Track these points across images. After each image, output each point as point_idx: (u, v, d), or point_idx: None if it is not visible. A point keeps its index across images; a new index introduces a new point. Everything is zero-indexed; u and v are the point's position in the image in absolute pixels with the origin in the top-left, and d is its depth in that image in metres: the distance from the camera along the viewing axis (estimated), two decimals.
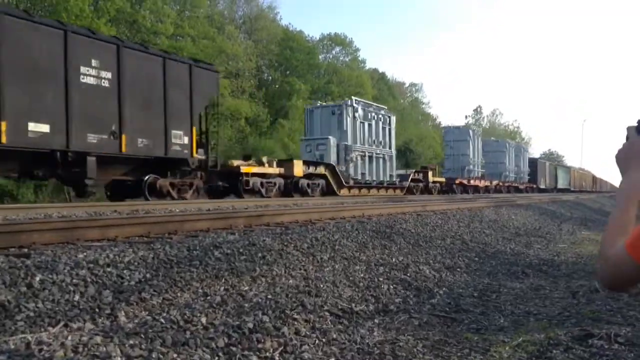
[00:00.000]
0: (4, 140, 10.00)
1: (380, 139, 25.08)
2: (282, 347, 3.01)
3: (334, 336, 3.38)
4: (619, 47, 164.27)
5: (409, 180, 26.75)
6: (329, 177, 20.69)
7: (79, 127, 11.37)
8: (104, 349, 2.54)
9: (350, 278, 4.94)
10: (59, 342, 2.54)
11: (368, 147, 23.92)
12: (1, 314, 2.93)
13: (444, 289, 5.31)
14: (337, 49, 51.67)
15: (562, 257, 8.28)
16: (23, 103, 10.40)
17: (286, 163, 18.73)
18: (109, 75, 12.07)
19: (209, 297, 3.74)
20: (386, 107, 27.64)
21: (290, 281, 4.50)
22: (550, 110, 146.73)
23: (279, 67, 43.67)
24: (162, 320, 3.08)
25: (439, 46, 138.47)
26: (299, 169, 18.65)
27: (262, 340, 3.02)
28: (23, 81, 10.42)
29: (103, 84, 11.96)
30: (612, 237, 1.11)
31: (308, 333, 3.34)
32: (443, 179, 31.12)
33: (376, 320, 3.93)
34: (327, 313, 3.77)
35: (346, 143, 22.39)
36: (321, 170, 20.41)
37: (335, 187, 20.92)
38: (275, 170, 17.89)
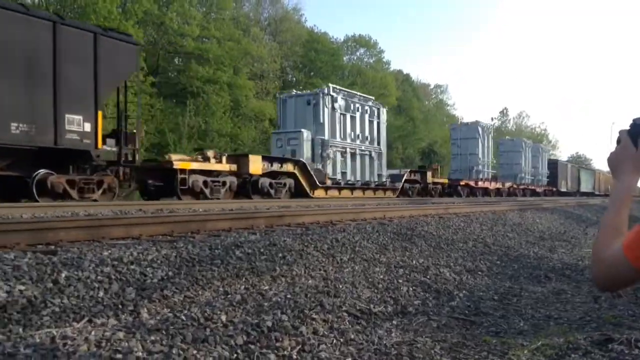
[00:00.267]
0: None
1: (367, 133, 22.03)
2: (300, 346, 3.04)
3: (352, 336, 3.40)
4: (623, 46, 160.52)
5: (403, 181, 24.02)
6: (298, 176, 18.08)
7: None
8: (126, 344, 2.61)
9: (370, 279, 4.96)
10: (83, 337, 2.61)
11: (350, 142, 20.96)
12: (28, 309, 3.02)
13: (464, 291, 5.29)
14: (362, 50, 51.80)
15: (587, 261, 8.15)
16: None
17: (241, 159, 16.19)
18: None
19: (229, 296, 3.80)
20: (374, 98, 24.50)
21: (310, 281, 4.53)
22: (555, 111, 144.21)
23: (303, 69, 43.91)
24: (183, 318, 3.14)
25: (466, 47, 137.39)
26: (256, 165, 16.09)
27: (281, 339, 3.06)
28: None
29: None
30: (606, 239, 1.13)
31: (326, 333, 3.37)
32: (445, 180, 28.97)
33: (394, 322, 3.94)
34: (345, 313, 3.80)
35: (322, 137, 19.45)
36: (289, 167, 17.73)
37: (307, 188, 18.33)
38: (224, 166, 15.51)
